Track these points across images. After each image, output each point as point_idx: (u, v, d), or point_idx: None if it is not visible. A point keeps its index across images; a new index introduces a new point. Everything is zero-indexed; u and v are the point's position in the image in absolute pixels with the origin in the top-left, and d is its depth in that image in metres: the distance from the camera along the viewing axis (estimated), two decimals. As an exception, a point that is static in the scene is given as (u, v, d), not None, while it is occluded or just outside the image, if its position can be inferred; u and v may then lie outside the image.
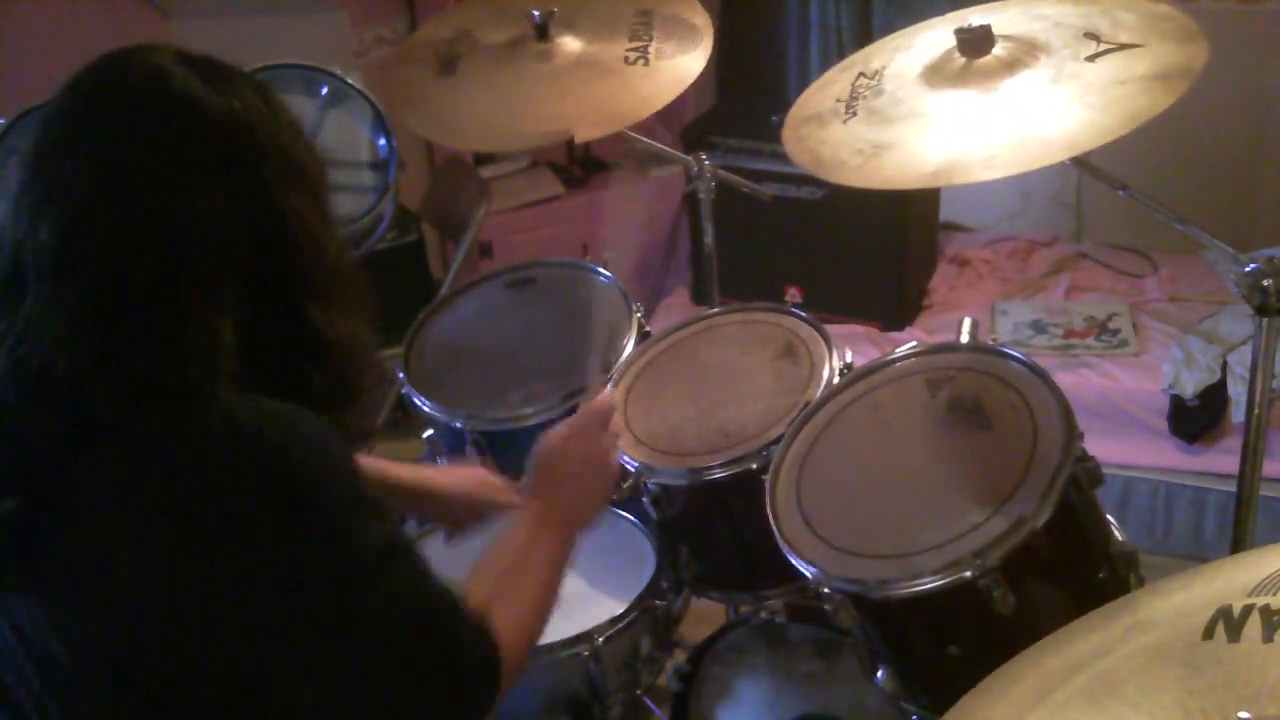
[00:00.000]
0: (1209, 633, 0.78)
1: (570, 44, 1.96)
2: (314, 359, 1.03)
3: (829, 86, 1.65)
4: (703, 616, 1.86)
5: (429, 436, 1.83)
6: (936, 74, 1.52)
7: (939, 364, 1.51)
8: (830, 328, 1.71)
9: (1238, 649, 0.76)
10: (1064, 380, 1.41)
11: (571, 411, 1.57)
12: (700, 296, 3.29)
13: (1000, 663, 0.87)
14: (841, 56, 1.83)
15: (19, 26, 2.85)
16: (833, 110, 1.58)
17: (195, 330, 0.95)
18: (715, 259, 2.26)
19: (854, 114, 1.55)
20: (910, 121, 1.47)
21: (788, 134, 1.60)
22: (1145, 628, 0.82)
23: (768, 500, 1.42)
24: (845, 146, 1.50)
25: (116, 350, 0.93)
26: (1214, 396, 2.67)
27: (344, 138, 2.32)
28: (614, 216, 3.54)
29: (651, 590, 1.63)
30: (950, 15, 1.59)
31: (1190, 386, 2.68)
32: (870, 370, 1.56)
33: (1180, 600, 0.83)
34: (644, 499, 1.63)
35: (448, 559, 1.65)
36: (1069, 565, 1.32)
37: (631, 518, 1.82)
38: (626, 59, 1.92)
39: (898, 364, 1.55)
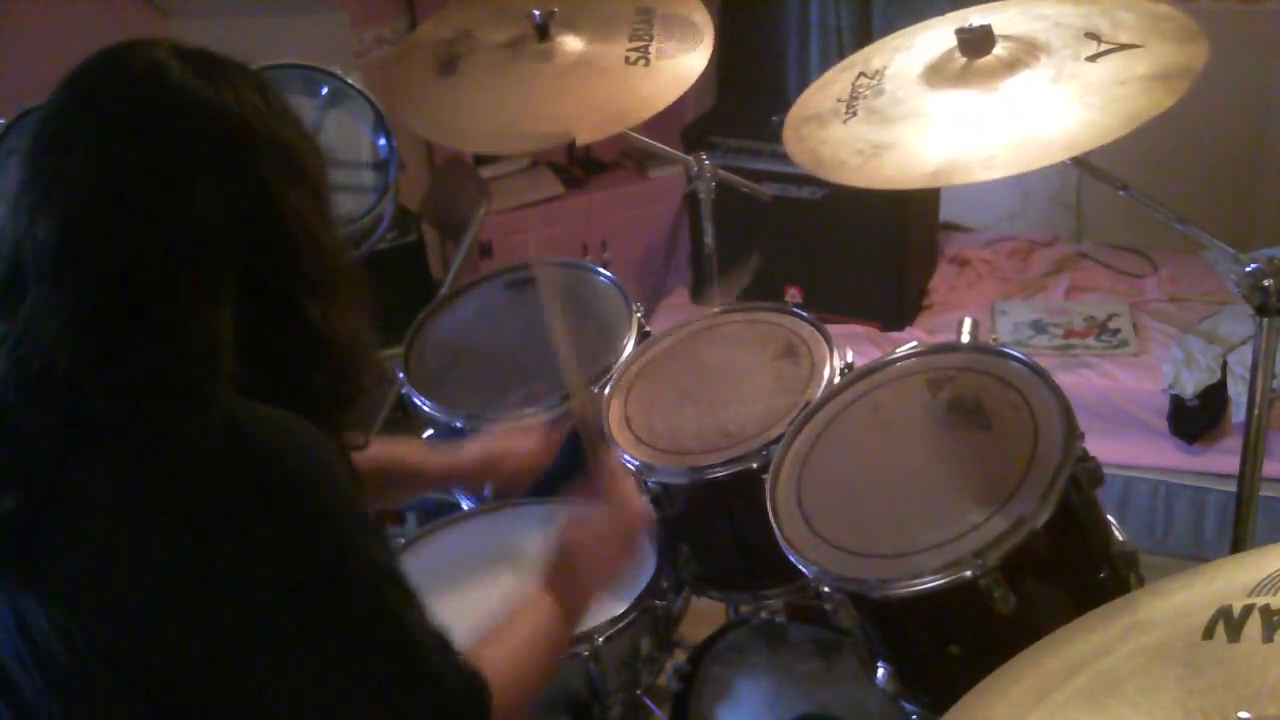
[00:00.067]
0: (1209, 633, 0.78)
1: (571, 44, 1.96)
2: (314, 358, 1.03)
3: (829, 86, 1.65)
4: (703, 616, 1.86)
5: (429, 436, 1.83)
6: (937, 74, 1.52)
7: (939, 364, 1.51)
8: (830, 328, 1.70)
9: (1238, 649, 0.76)
10: (1064, 380, 1.41)
11: (571, 412, 1.57)
12: (700, 296, 3.29)
13: (1000, 662, 0.87)
14: (841, 56, 1.83)
15: (19, 26, 2.84)
16: (833, 110, 1.58)
17: (195, 330, 0.95)
18: (715, 259, 2.25)
19: (854, 114, 1.55)
20: (910, 121, 1.47)
21: (788, 134, 1.60)
22: (1145, 628, 0.82)
23: (768, 499, 1.42)
24: (845, 146, 1.50)
25: (116, 350, 0.93)
26: (1214, 396, 2.67)
27: (344, 138, 2.32)
28: (614, 216, 3.54)
29: (651, 590, 1.63)
30: (950, 15, 1.59)
31: (1190, 386, 2.68)
32: (871, 370, 1.56)
33: (1180, 600, 0.83)
34: (644, 498, 1.63)
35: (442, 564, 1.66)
36: (1069, 565, 1.32)
37: (631, 518, 1.81)
38: (627, 59, 1.92)
39: (898, 364, 1.55)
